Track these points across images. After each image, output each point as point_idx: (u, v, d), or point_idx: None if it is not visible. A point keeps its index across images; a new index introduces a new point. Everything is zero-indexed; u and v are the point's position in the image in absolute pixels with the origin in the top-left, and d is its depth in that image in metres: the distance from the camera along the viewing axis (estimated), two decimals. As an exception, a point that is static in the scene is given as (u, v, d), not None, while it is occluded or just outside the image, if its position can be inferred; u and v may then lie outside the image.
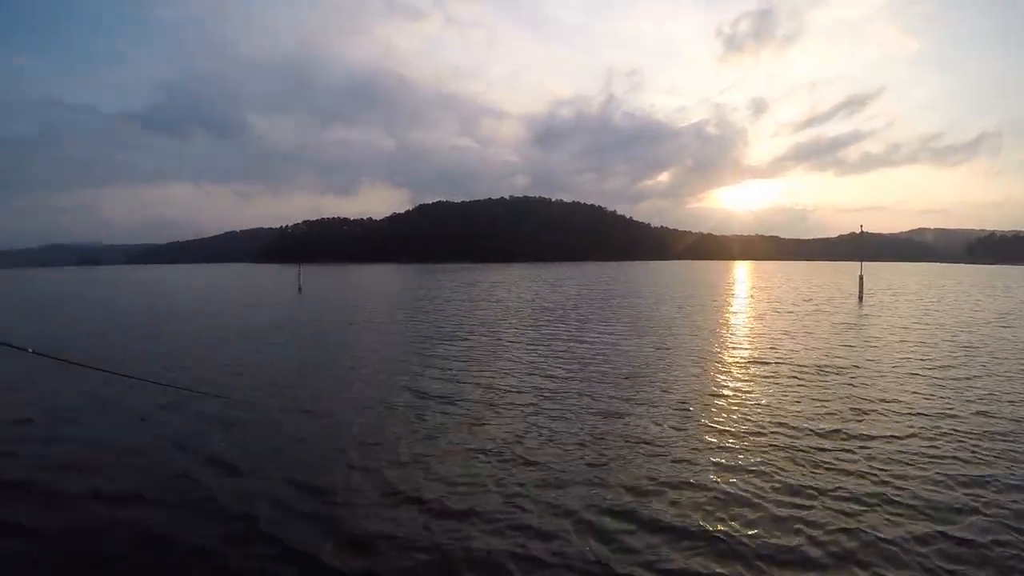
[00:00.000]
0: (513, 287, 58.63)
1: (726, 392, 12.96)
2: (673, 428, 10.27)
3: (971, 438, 9.47)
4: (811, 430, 10.02)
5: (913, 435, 9.69)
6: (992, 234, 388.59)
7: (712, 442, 9.46)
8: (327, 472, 8.32)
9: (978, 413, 11.06)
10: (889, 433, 9.78)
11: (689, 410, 11.44)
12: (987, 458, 8.52)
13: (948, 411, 11.20)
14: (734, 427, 10.29)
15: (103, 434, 10.26)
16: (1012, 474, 7.94)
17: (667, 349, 18.84)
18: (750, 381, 14.19)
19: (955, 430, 9.93)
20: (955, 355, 17.54)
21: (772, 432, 9.94)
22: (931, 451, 8.86)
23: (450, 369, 15.78)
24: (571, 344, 20.02)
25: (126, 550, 6.15)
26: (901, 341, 20.44)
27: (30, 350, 5.21)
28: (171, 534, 6.46)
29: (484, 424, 10.74)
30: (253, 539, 6.34)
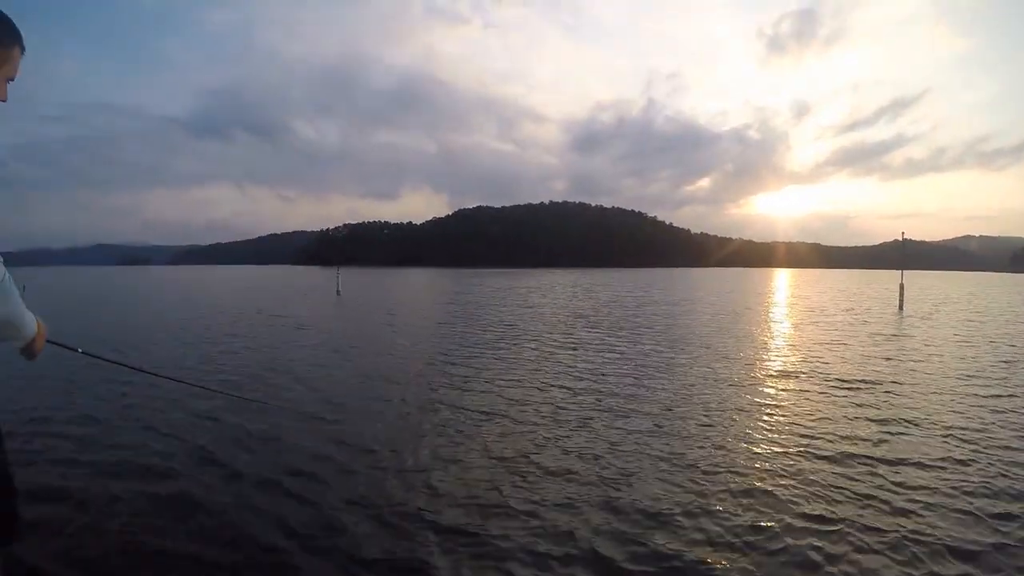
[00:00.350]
0: (548, 293, 58.32)
1: (752, 408, 12.49)
2: (695, 446, 9.91)
3: (1007, 465, 8.92)
4: (838, 452, 9.57)
5: (946, 459, 9.19)
6: None
7: (732, 463, 9.07)
8: (334, 483, 8.21)
9: (1018, 436, 10.50)
10: (920, 457, 9.27)
11: (712, 427, 11.05)
12: (1022, 489, 8.01)
13: (985, 434, 10.64)
14: (756, 447, 9.89)
15: (132, 437, 10.35)
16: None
17: (696, 360, 18.35)
18: (779, 396, 13.69)
19: (990, 455, 9.38)
20: (996, 371, 16.78)
21: (797, 454, 9.52)
22: (963, 479, 8.36)
23: (474, 378, 15.52)
24: (598, 353, 19.63)
25: (121, 561, 6.04)
26: (940, 355, 19.70)
27: (80, 350, 5.26)
28: (173, 546, 6.35)
29: (500, 436, 10.51)
30: (252, 555, 6.18)
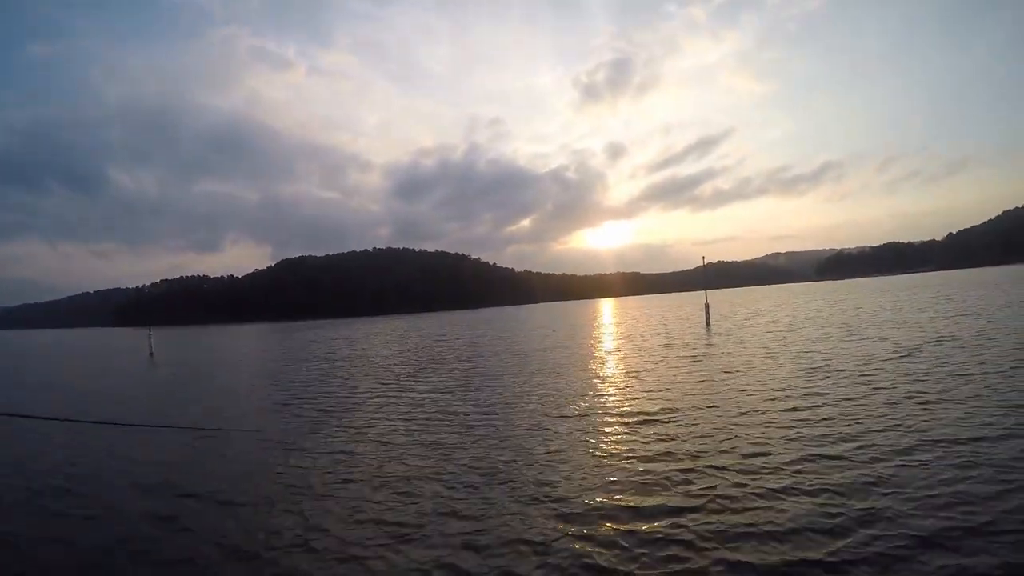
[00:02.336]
0: (359, 343, 55.16)
1: (544, 459, 10.87)
2: (456, 512, 8.29)
3: (797, 503, 7.93)
4: (626, 502, 8.32)
5: (737, 502, 8.06)
6: (839, 252, 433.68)
7: (508, 530, 7.59)
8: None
9: (813, 459, 9.72)
10: (709, 504, 8.09)
11: (487, 486, 9.44)
12: (816, 535, 6.94)
13: (781, 459, 9.80)
14: (542, 506, 8.39)
15: None
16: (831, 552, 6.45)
17: (487, 404, 16.79)
18: (572, 437, 12.34)
19: (772, 489, 8.40)
20: (798, 383, 16.81)
21: (580, 510, 8.14)
22: (754, 522, 7.26)
23: (231, 453, 12.87)
24: (388, 406, 17.55)
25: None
26: (742, 371, 19.75)
27: None
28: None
29: (268, 515, 8.84)
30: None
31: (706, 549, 6.70)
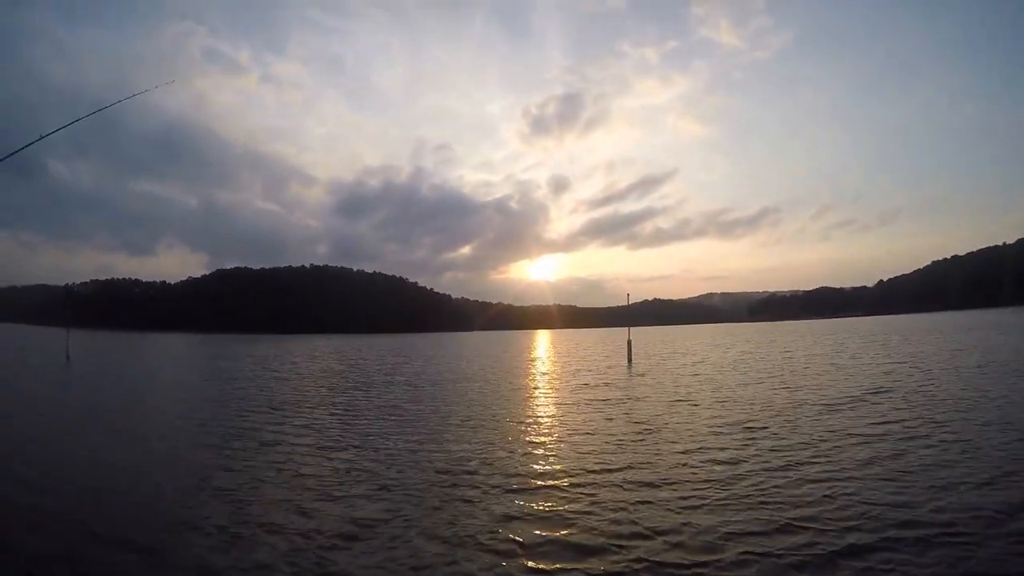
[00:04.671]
0: (275, 360, 52.41)
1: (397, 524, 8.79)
2: None
3: None
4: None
5: None
6: (773, 295, 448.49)
7: None
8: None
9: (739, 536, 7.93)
10: None
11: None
12: None
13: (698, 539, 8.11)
14: None
15: None
16: None
17: (368, 447, 14.51)
18: (437, 496, 10.21)
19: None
20: (710, 437, 15.08)
21: None
22: None
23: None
24: (264, 444, 15.41)
25: None
26: (654, 421, 17.89)
27: None
28: None
29: None
30: None
31: None
